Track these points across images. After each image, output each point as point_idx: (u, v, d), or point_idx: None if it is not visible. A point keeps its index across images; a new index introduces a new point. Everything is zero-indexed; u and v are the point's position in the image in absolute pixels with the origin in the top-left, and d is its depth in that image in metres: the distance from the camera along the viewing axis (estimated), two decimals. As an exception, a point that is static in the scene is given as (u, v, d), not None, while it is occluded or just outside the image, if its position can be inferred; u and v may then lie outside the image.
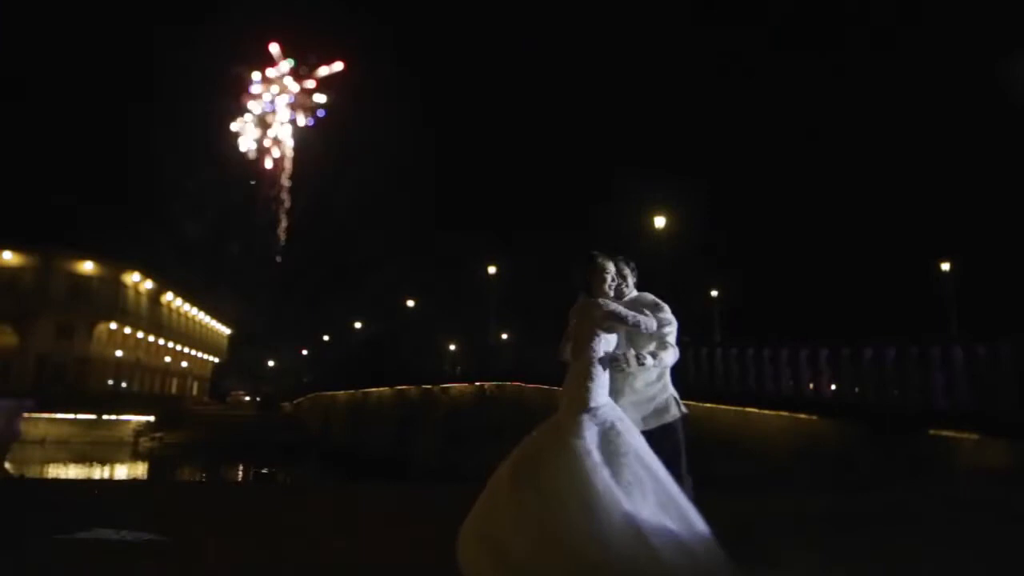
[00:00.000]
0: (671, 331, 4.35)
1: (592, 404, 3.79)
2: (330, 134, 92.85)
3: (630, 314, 4.05)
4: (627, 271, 4.53)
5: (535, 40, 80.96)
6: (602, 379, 3.90)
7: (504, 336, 43.61)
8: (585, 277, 4.09)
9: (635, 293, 4.56)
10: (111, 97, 75.53)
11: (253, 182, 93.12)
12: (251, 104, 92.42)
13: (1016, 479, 9.45)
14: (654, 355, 4.20)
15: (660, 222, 25.60)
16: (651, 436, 4.14)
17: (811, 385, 14.81)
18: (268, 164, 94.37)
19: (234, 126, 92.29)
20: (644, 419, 4.23)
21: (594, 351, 3.92)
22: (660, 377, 4.35)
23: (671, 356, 4.31)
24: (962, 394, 11.89)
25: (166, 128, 77.28)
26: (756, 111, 58.93)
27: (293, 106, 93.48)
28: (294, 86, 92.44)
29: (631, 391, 4.26)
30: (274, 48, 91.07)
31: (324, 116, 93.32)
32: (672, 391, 4.37)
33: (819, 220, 46.03)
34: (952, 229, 35.61)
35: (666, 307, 4.43)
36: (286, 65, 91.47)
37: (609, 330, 4.00)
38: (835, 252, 42.80)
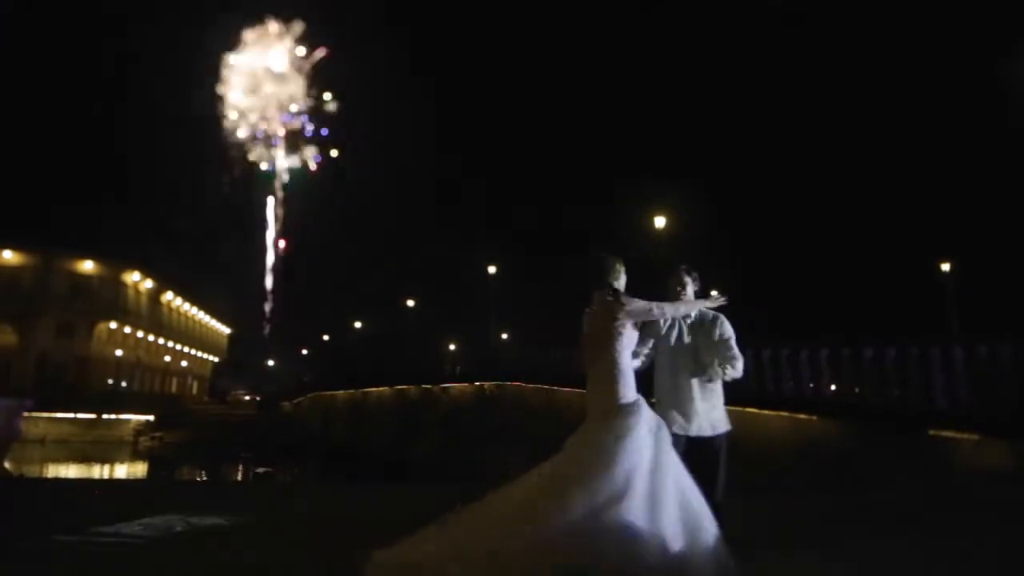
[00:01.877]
0: (733, 342, 4.44)
1: (625, 400, 3.64)
2: (329, 134, 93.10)
3: (653, 304, 3.91)
4: (687, 280, 4.45)
5: (534, 40, 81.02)
6: (630, 378, 3.73)
7: (504, 336, 43.60)
8: (604, 274, 3.91)
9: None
10: (111, 97, 75.53)
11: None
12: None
13: (1016, 479, 9.45)
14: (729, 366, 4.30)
15: (660, 222, 25.59)
16: (706, 442, 4.19)
17: (811, 385, 14.81)
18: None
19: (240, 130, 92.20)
20: (712, 424, 4.33)
21: (618, 351, 3.74)
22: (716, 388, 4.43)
23: (740, 367, 4.39)
24: (962, 394, 11.89)
25: (166, 127, 77.23)
26: (756, 110, 58.97)
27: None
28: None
29: (710, 395, 4.33)
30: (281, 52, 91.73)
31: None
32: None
33: (819, 220, 45.97)
34: (952, 229, 35.54)
35: (726, 320, 4.48)
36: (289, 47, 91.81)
37: (633, 327, 3.84)
38: (835, 252, 42.74)
